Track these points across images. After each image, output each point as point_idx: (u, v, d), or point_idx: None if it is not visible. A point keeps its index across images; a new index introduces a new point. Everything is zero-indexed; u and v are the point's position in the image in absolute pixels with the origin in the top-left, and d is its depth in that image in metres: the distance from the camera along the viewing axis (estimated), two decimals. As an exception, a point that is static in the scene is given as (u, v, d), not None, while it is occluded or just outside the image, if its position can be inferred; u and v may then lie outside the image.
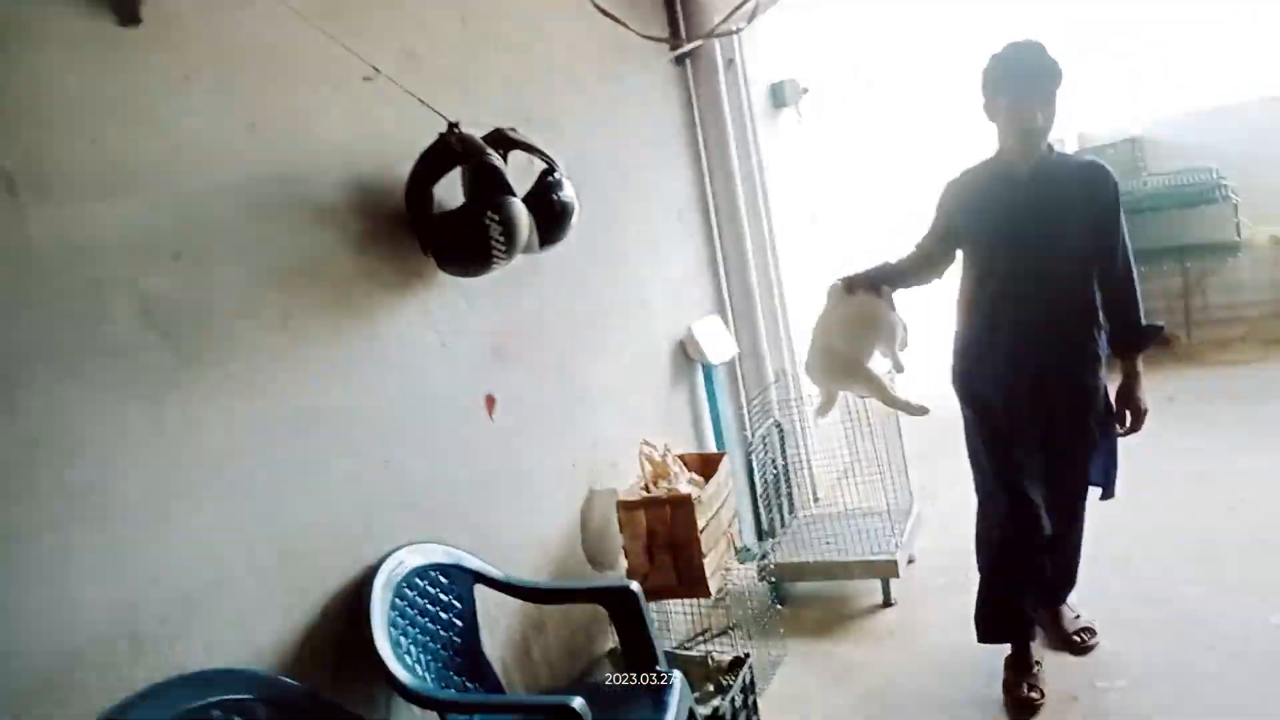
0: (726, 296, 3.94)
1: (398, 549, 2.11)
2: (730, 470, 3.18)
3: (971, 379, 2.71)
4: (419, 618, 2.10)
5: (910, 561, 3.56)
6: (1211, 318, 5.88)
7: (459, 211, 2.28)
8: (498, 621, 2.44)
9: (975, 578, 3.37)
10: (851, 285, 2.69)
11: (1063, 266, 2.53)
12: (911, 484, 3.70)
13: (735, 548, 3.00)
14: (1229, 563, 3.22)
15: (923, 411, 2.66)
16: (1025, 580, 2.68)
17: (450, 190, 2.30)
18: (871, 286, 2.68)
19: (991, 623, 2.74)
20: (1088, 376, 2.61)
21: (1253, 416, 4.54)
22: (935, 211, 2.74)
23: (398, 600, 2.04)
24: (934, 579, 3.48)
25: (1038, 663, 2.71)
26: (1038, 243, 2.52)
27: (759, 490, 3.56)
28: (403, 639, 2.01)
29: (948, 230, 2.69)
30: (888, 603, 3.33)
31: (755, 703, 2.67)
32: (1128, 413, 2.63)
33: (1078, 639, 2.83)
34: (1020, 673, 2.68)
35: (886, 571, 3.29)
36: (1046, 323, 2.56)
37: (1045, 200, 2.52)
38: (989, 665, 2.83)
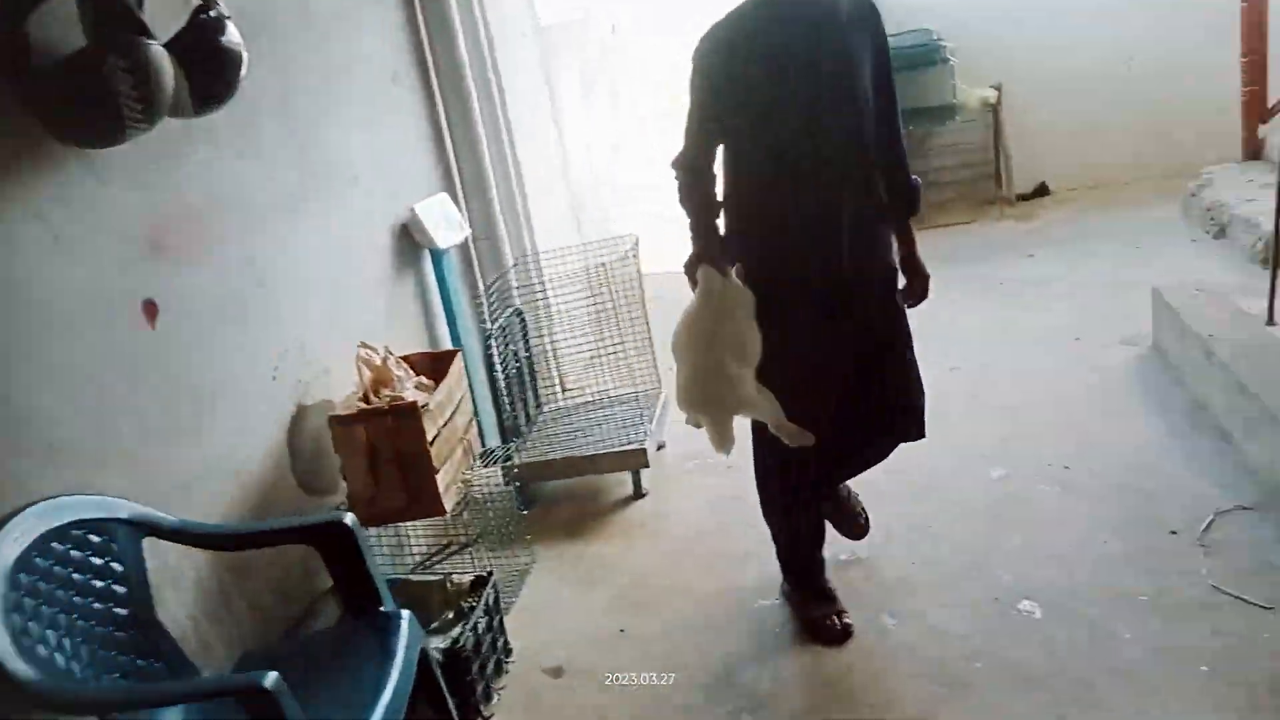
0: (456, 172, 3.52)
1: (21, 510, 1.62)
2: (465, 369, 2.86)
3: (769, 297, 2.11)
4: (60, 592, 1.64)
5: (661, 447, 3.45)
6: (929, 180, 6.14)
7: (73, 59, 1.71)
8: (184, 576, 2.01)
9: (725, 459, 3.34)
10: (718, 263, 2.01)
11: (865, 123, 2.10)
12: (659, 366, 3.56)
13: (474, 454, 2.72)
14: (953, 423, 3.36)
15: (809, 440, 2.15)
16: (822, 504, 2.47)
17: (67, 31, 1.72)
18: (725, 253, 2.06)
19: (802, 577, 2.44)
20: (888, 252, 2.22)
21: (968, 277, 4.80)
22: (700, 82, 2.09)
23: (24, 576, 1.57)
24: (685, 463, 3.39)
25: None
26: (844, 95, 2.06)
27: (501, 386, 3.27)
28: (34, 624, 1.55)
29: (720, 103, 2.08)
30: (639, 494, 3.20)
31: (502, 622, 2.46)
32: (916, 283, 2.31)
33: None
34: (828, 603, 2.39)
35: (636, 463, 3.14)
36: (853, 196, 2.11)
37: (844, 41, 2.05)
38: (739, 550, 2.79)
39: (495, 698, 2.31)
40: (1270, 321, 3.32)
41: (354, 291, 2.79)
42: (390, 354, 2.53)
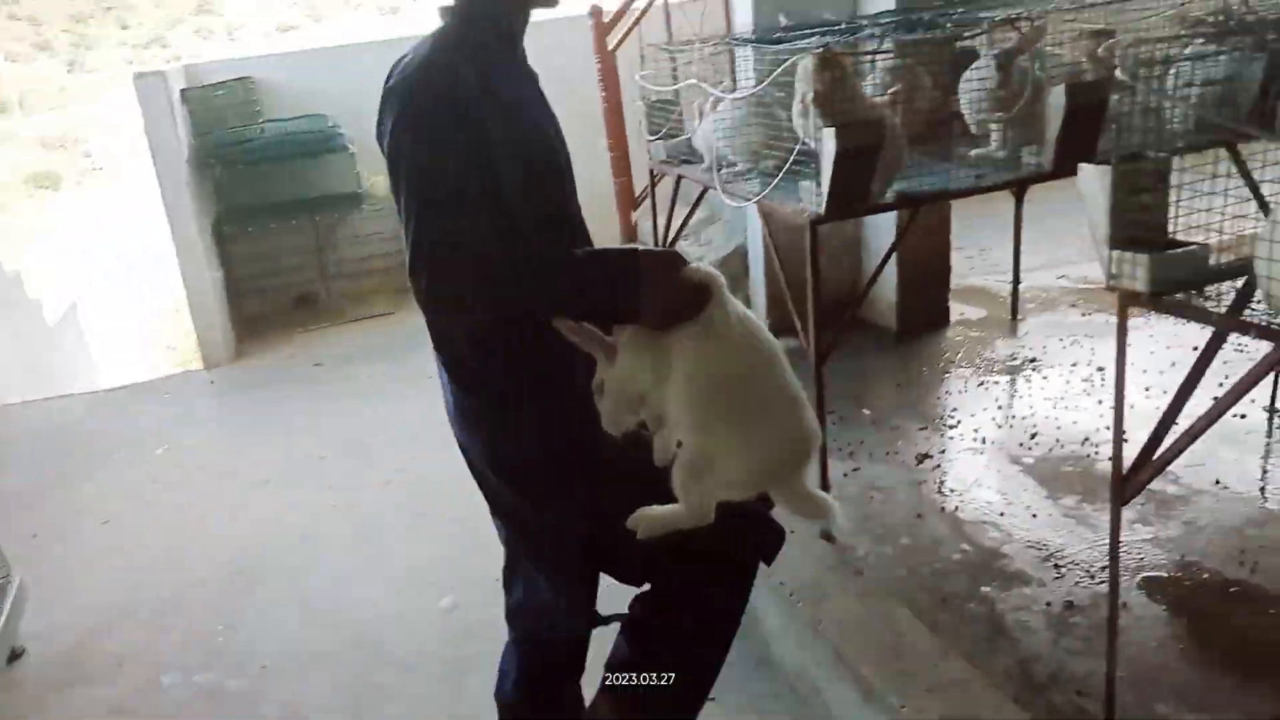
0: None
1: None
2: None
3: (569, 459, 1.54)
4: None
5: (16, 658, 2.56)
6: (345, 271, 5.87)
7: None
8: None
9: (127, 648, 2.60)
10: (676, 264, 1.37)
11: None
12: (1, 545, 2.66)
13: None
14: (393, 549, 3.05)
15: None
16: None
17: None
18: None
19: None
20: None
21: (396, 374, 4.57)
22: (464, 145, 1.38)
23: None
24: (63, 671, 2.53)
25: None
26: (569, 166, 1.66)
27: None
28: None
29: (509, 164, 1.44)
30: (-20, 744, 2.31)
31: None
32: None
33: None
34: None
35: (-31, 705, 2.25)
36: None
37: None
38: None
39: None
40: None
41: None
42: None
